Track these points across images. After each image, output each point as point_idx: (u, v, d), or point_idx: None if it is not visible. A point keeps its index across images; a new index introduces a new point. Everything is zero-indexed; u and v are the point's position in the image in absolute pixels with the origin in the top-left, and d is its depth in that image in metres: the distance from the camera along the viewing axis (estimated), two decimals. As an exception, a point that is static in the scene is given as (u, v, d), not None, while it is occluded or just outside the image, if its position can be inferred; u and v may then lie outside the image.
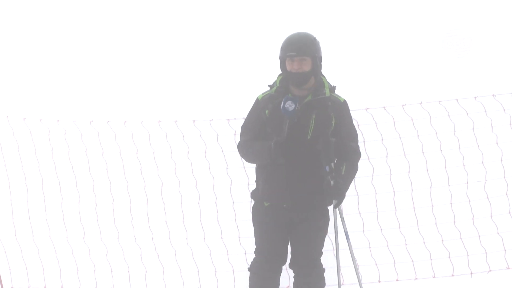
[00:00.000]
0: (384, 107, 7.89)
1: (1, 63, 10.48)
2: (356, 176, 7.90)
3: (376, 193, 8.09)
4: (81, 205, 8.64)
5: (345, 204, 6.71)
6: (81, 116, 8.97)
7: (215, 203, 8.23)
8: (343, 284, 7.55)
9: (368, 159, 7.93)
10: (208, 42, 10.44)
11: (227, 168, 8.06)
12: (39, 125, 8.52)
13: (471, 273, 7.81)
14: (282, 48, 5.88)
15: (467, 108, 8.01)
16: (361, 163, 7.47)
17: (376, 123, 7.97)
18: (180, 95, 9.96)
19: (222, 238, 8.21)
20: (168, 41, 10.44)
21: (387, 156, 8.22)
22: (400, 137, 8.12)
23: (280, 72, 6.03)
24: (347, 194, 6.79)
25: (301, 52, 5.84)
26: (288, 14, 10.42)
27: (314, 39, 5.95)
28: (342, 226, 6.31)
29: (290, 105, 5.77)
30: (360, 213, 7.85)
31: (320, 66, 5.93)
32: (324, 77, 6.03)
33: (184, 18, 10.57)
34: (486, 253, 7.88)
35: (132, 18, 10.67)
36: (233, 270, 7.89)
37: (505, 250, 7.88)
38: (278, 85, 5.97)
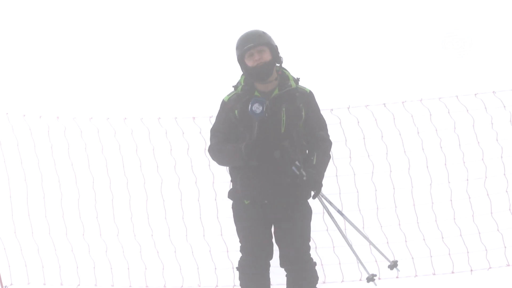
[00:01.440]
0: (384, 104, 7.90)
1: (0, 60, 10.52)
2: (356, 172, 7.96)
3: (376, 190, 8.10)
4: (80, 202, 8.67)
5: (344, 201, 6.77)
6: (81, 112, 9.02)
7: (215, 200, 8.24)
8: (343, 281, 7.81)
9: (368, 156, 7.98)
10: (207, 40, 10.46)
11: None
12: (38, 122, 8.55)
13: (471, 270, 7.84)
14: (237, 47, 5.90)
15: (467, 105, 8.02)
16: (361, 160, 7.52)
17: (376, 119, 7.97)
18: (179, 92, 9.99)
19: (221, 235, 8.23)
20: (168, 38, 10.47)
21: (387, 153, 8.22)
22: (400, 134, 8.12)
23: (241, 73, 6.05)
24: (347, 190, 6.82)
25: (257, 42, 5.84)
26: (291, 12, 10.45)
27: (264, 31, 5.96)
28: (332, 209, 6.37)
29: (257, 108, 5.78)
30: (360, 210, 7.87)
31: (279, 55, 5.94)
32: (287, 70, 6.04)
33: (184, 16, 10.59)
34: (486, 250, 7.89)
35: (132, 15, 10.70)
36: (232, 267, 7.87)
37: (505, 247, 7.89)
38: (242, 83, 5.98)
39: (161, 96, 9.90)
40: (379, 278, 7.07)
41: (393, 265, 6.68)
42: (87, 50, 10.41)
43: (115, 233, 8.48)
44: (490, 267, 7.83)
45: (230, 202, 7.90)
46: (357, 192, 7.93)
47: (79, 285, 8.23)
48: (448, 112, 8.01)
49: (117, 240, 8.49)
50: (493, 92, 7.84)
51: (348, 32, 10.16)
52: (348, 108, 7.75)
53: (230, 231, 7.96)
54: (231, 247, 8.14)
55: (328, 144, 6.05)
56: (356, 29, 10.20)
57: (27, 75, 10.31)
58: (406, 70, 9.86)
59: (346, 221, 6.62)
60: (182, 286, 8.07)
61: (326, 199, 6.37)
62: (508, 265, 7.86)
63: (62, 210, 8.57)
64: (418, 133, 8.06)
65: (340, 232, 6.52)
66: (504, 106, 7.95)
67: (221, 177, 8.21)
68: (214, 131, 6.05)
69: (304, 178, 5.87)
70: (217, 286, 8.03)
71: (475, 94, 7.87)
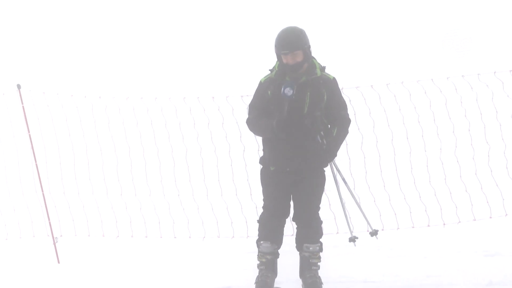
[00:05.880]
0: (371, 86, 8.46)
1: (52, 50, 11.30)
2: (348, 142, 8.46)
3: (364, 157, 8.77)
4: (118, 167, 9.36)
5: (340, 166, 7.18)
6: (119, 93, 9.47)
7: (231, 165, 8.85)
8: (337, 232, 8.29)
9: (358, 129, 8.55)
10: (227, 28, 11.38)
11: (240, 137, 8.64)
12: (84, 101, 9.13)
13: (444, 224, 8.36)
14: (276, 46, 6.45)
15: (441, 87, 8.65)
16: (352, 133, 8.05)
17: (364, 99, 8.57)
18: (201, 75, 10.75)
19: (236, 194, 8.91)
20: (191, 28, 11.36)
21: (374, 127, 8.92)
22: (384, 111, 8.76)
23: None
24: (341, 158, 7.43)
25: (292, 49, 6.44)
26: (302, 3, 11.21)
27: (301, 32, 6.50)
28: (339, 176, 6.99)
29: (288, 91, 6.44)
30: (351, 173, 8.38)
31: (310, 53, 6.54)
32: (315, 59, 6.66)
33: (208, 4, 11.38)
34: (456, 207, 8.45)
35: (163, 7, 11.50)
36: (246, 221, 8.49)
37: (472, 205, 8.48)
38: (277, 69, 6.61)
39: (186, 79, 10.58)
40: (367, 231, 7.46)
41: (374, 233, 7.16)
42: (123, 42, 11.22)
43: (147, 193, 9.15)
44: (459, 221, 8.37)
45: (243, 167, 8.70)
46: (349, 159, 8.51)
47: (118, 236, 8.74)
48: (425, 93, 8.64)
49: (149, 199, 9.14)
50: (462, 76, 8.45)
51: (343, 26, 11.06)
52: (342, 89, 8.00)
53: (244, 191, 8.89)
54: (244, 205, 8.78)
55: (347, 121, 6.71)
56: (351, 24, 11.09)
57: (74, 62, 11.08)
58: (390, 57, 10.69)
59: (347, 188, 7.16)
60: (204, 237, 8.60)
61: (336, 167, 6.99)
62: (475, 220, 8.37)
63: (103, 174, 9.29)
64: (399, 110, 8.64)
65: (340, 199, 7.06)
66: (471, 88, 8.65)
67: (236, 147, 8.91)
68: (251, 107, 6.71)
69: (325, 146, 6.57)
70: (233, 237, 8.49)
71: (447, 78, 8.49)
